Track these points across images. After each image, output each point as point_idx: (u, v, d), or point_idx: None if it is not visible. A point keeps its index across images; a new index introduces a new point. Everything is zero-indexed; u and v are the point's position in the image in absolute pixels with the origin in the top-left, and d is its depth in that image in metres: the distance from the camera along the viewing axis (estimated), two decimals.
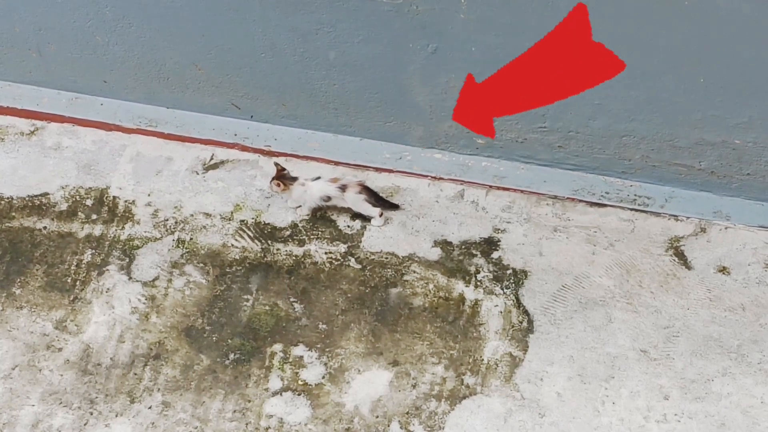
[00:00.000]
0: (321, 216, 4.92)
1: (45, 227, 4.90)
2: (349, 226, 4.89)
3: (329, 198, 4.81)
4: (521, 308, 4.62)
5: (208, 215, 4.94)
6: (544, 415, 4.34)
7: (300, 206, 4.91)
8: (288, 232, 4.88)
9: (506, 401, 4.38)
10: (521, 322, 4.58)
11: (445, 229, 4.88)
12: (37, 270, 4.77)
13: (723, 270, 4.71)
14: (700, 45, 4.32)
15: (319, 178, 4.86)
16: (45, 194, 5.01)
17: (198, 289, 4.71)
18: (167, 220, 4.93)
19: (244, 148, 5.15)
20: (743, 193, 4.85)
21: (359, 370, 4.48)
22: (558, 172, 4.99)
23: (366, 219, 4.88)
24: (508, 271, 4.73)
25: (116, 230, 4.89)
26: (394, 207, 4.92)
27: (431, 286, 4.70)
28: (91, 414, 4.38)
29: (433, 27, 4.52)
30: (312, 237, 4.86)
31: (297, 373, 4.48)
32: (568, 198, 4.95)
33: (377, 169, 5.07)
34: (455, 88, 4.74)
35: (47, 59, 5.15)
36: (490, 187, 5.00)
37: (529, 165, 5.01)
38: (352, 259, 4.79)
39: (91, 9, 4.85)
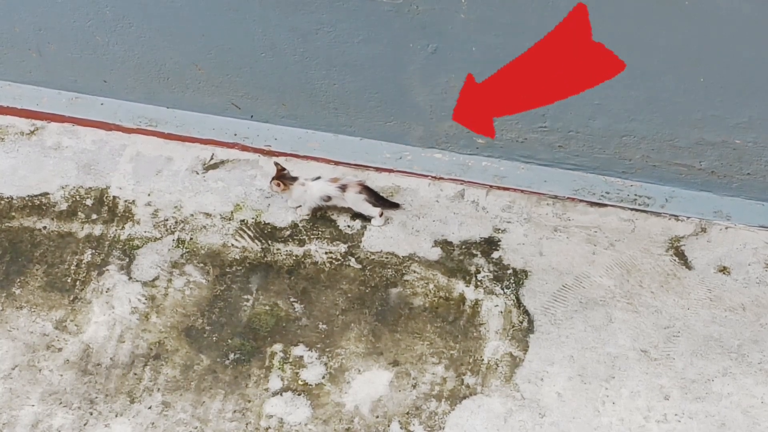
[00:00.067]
0: (321, 216, 4.92)
1: (45, 227, 4.90)
2: (349, 226, 4.89)
3: (329, 198, 4.81)
4: (521, 308, 4.62)
5: (208, 215, 4.94)
6: (544, 415, 4.34)
7: (300, 206, 4.91)
8: (288, 232, 4.88)
9: (506, 401, 4.38)
10: (521, 322, 4.58)
11: (446, 229, 4.88)
12: (36, 270, 4.77)
13: (723, 270, 4.71)
14: (700, 45, 4.32)
15: (319, 177, 4.86)
16: (45, 194, 5.01)
17: (198, 289, 4.71)
18: (167, 219, 4.93)
19: (244, 148, 5.15)
20: (743, 192, 4.85)
21: (359, 370, 4.48)
22: (558, 171, 4.98)
23: (366, 219, 4.87)
24: (509, 271, 4.73)
25: (116, 230, 4.89)
26: (395, 206, 4.91)
27: (431, 286, 4.70)
28: (91, 414, 4.38)
29: (433, 27, 4.51)
30: (312, 237, 4.86)
31: (297, 373, 4.48)
32: (568, 198, 4.95)
33: (377, 169, 5.07)
34: (455, 88, 4.74)
35: (47, 59, 5.15)
36: (491, 186, 5.00)
37: (530, 165, 5.01)
38: (353, 259, 4.78)
39: (91, 9, 4.85)
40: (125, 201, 4.99)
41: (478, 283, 4.70)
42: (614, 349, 4.49)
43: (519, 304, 4.63)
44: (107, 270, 4.77)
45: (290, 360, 4.51)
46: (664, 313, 4.58)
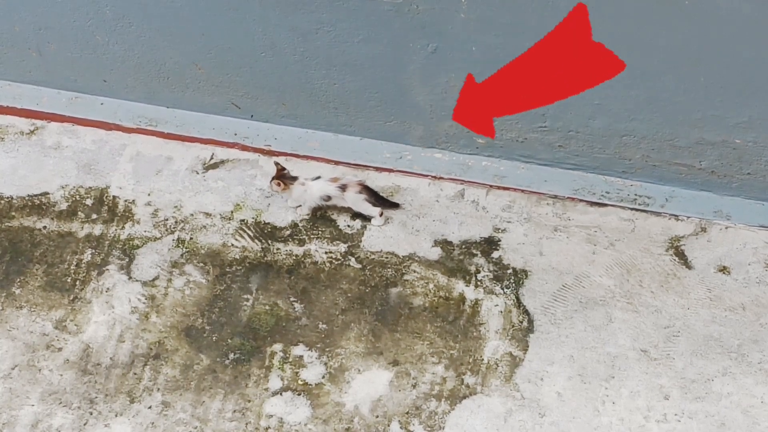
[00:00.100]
0: (321, 215, 4.92)
1: (45, 227, 4.90)
2: (349, 226, 4.89)
3: (329, 197, 4.81)
4: (521, 308, 4.62)
5: (208, 215, 4.94)
6: (544, 414, 4.34)
7: (300, 206, 4.91)
8: (288, 232, 4.88)
9: (506, 401, 4.38)
10: (521, 322, 4.58)
11: (446, 229, 4.88)
12: (36, 270, 4.77)
13: (723, 269, 4.71)
14: (700, 45, 4.32)
15: (319, 177, 4.86)
16: (45, 194, 5.01)
17: (198, 289, 4.71)
18: (167, 219, 4.93)
19: (244, 148, 5.15)
20: (743, 192, 4.85)
21: (359, 370, 4.48)
22: (558, 171, 4.98)
23: (366, 218, 4.87)
24: (509, 271, 4.73)
25: (116, 230, 4.89)
26: (395, 206, 4.91)
27: (431, 285, 4.70)
28: (91, 414, 4.38)
29: (433, 27, 4.51)
30: (312, 237, 4.86)
31: (297, 372, 4.48)
32: (568, 197, 4.95)
33: (377, 169, 5.07)
34: (455, 88, 4.74)
35: (47, 59, 5.15)
36: (491, 186, 5.00)
37: (530, 164, 5.01)
38: (353, 259, 4.78)
39: (91, 8, 4.85)
40: (125, 201, 4.99)
41: (478, 282, 4.70)
42: (614, 349, 4.49)
43: (519, 303, 4.63)
44: (107, 270, 4.77)
45: (290, 360, 4.51)
46: (664, 313, 4.58)
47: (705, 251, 4.77)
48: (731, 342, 4.50)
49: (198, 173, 5.08)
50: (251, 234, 4.87)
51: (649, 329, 4.54)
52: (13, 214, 4.94)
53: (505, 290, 4.67)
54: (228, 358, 4.52)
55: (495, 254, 4.79)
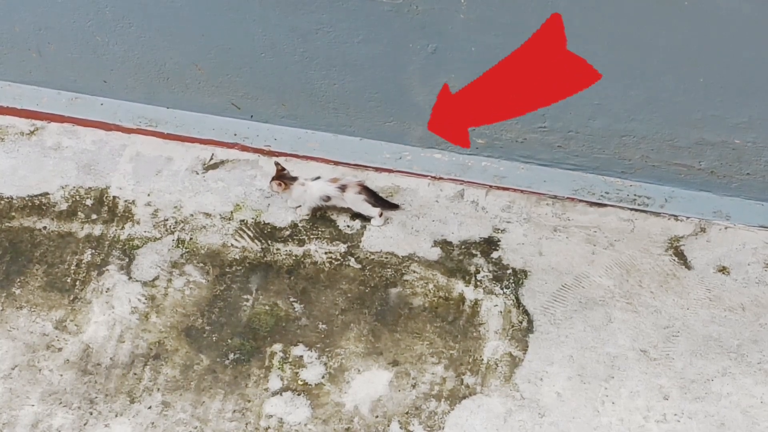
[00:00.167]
0: (321, 216, 4.92)
1: (45, 227, 4.90)
2: (348, 226, 4.89)
3: (329, 198, 4.81)
4: (521, 308, 4.62)
5: (208, 215, 4.94)
6: (543, 415, 4.34)
7: (300, 206, 4.91)
8: (288, 232, 4.88)
9: (506, 401, 4.38)
10: (521, 322, 4.58)
11: (445, 229, 4.88)
12: (36, 270, 4.77)
13: (723, 270, 4.71)
14: (700, 45, 4.32)
15: (318, 178, 4.86)
16: (45, 194, 5.01)
17: (198, 289, 4.71)
18: (167, 219, 4.93)
19: (244, 148, 5.15)
20: (743, 192, 4.85)
21: (359, 370, 4.48)
22: (558, 171, 4.99)
23: (366, 219, 4.88)
24: (508, 271, 4.73)
25: (116, 230, 4.89)
26: (394, 207, 4.91)
27: (431, 285, 4.70)
28: (91, 414, 4.38)
29: (433, 27, 4.52)
30: (312, 237, 4.86)
31: (297, 373, 4.48)
32: (567, 198, 4.95)
33: (377, 169, 5.07)
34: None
35: (47, 59, 5.15)
36: (490, 186, 5.00)
37: (529, 165, 5.01)
38: (352, 259, 4.79)
39: (91, 9, 4.85)
40: (125, 201, 4.99)
41: (478, 283, 4.70)
42: (614, 349, 4.49)
43: (518, 303, 4.63)
44: (107, 270, 4.77)
45: (290, 360, 4.51)
46: (663, 313, 4.59)
47: (704, 251, 4.77)
48: (731, 342, 4.50)
49: (198, 173, 5.09)
50: (251, 234, 4.87)
51: (648, 329, 4.54)
52: (13, 214, 4.94)
53: (505, 290, 4.67)
54: (228, 359, 4.52)
55: (494, 254, 4.79)
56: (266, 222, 4.92)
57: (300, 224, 4.90)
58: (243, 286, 4.71)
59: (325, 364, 4.49)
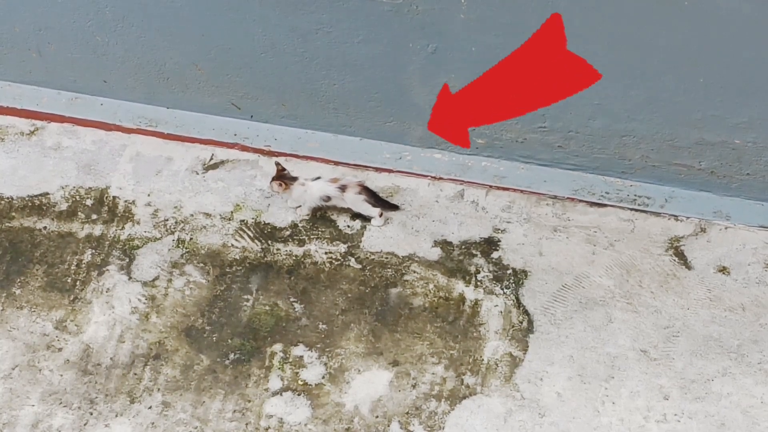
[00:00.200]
0: (321, 216, 4.92)
1: (45, 227, 4.90)
2: (349, 226, 4.89)
3: (329, 198, 4.81)
4: (521, 308, 4.62)
5: (208, 215, 4.94)
6: (544, 415, 4.34)
7: (300, 206, 4.91)
8: (288, 232, 4.88)
9: (506, 401, 4.38)
10: (521, 322, 4.58)
11: (445, 229, 4.88)
12: (37, 270, 4.77)
13: (723, 270, 4.71)
14: (700, 45, 4.32)
15: (319, 178, 4.86)
16: (45, 194, 5.01)
17: (198, 289, 4.71)
18: (167, 220, 4.93)
19: (244, 148, 5.15)
20: (743, 193, 4.85)
21: (359, 370, 4.48)
22: (558, 172, 4.99)
23: (366, 219, 4.88)
24: (508, 271, 4.73)
25: (116, 230, 4.89)
26: (394, 208, 4.91)
27: (431, 286, 4.70)
28: (91, 414, 4.38)
29: (433, 27, 4.52)
30: (312, 237, 4.86)
31: (297, 373, 4.48)
32: (568, 198, 4.95)
33: (377, 169, 5.07)
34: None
35: (47, 59, 5.15)
36: (490, 187, 5.00)
37: (529, 165, 5.01)
38: (352, 259, 4.79)
39: (91, 9, 4.85)
40: (125, 201, 4.99)
41: (478, 283, 4.70)
42: (614, 349, 4.49)
43: (519, 304, 4.63)
44: (107, 270, 4.77)
45: (290, 360, 4.51)
46: (663, 313, 4.59)
47: (705, 251, 4.77)
48: (731, 342, 4.50)
49: (198, 174, 5.09)
50: (251, 234, 4.87)
51: (648, 329, 4.54)
52: (14, 214, 4.94)
53: (505, 290, 4.67)
54: (228, 359, 4.52)
55: (495, 254, 4.79)
56: (266, 222, 4.92)
57: (300, 224, 4.90)
58: (243, 287, 4.71)
59: (326, 364, 4.49)
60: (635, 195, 4.93)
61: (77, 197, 5.00)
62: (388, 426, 4.34)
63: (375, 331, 4.58)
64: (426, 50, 4.61)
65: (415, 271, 4.74)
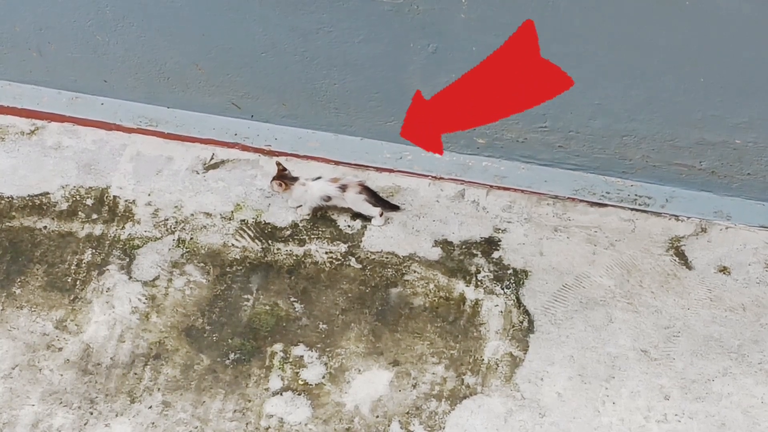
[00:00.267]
0: (321, 216, 4.92)
1: (45, 227, 4.90)
2: (349, 226, 4.89)
3: (329, 198, 4.81)
4: (522, 308, 4.62)
5: (208, 215, 4.94)
6: (544, 415, 4.34)
7: (300, 206, 4.91)
8: (288, 232, 4.88)
9: (507, 401, 4.38)
10: (522, 322, 4.58)
11: (446, 229, 4.88)
12: (37, 269, 4.77)
13: (723, 270, 4.71)
14: (700, 45, 4.32)
15: (319, 177, 4.86)
16: (45, 194, 5.01)
17: (198, 289, 4.71)
18: (167, 219, 4.93)
19: (244, 148, 5.15)
20: (744, 193, 4.85)
21: (359, 370, 4.48)
22: (558, 171, 4.98)
23: (366, 219, 4.87)
24: (509, 271, 4.73)
25: (116, 230, 4.89)
26: (395, 208, 4.91)
27: (432, 285, 4.70)
28: (91, 414, 4.38)
29: (434, 27, 4.52)
30: (312, 237, 4.86)
31: (297, 372, 4.48)
32: (568, 198, 4.95)
33: (378, 169, 5.07)
34: None
35: (48, 59, 5.15)
36: (491, 186, 5.00)
37: (530, 165, 5.01)
38: (353, 259, 4.79)
39: (91, 8, 4.85)
40: (125, 201, 4.99)
41: (479, 283, 4.70)
42: (614, 349, 4.49)
43: (519, 303, 4.63)
44: (107, 270, 4.77)
45: (290, 360, 4.51)
46: (664, 313, 4.58)
47: (705, 251, 4.77)
48: (731, 342, 4.50)
49: (198, 173, 5.09)
50: (252, 234, 4.87)
51: (649, 329, 4.54)
52: (14, 214, 4.94)
53: (506, 290, 4.67)
54: (228, 358, 4.52)
55: (495, 254, 4.79)
56: (267, 222, 4.91)
57: (300, 224, 4.90)
58: (243, 286, 4.71)
59: (326, 363, 4.49)
60: (636, 195, 4.93)
61: (77, 197, 5.00)
62: (389, 426, 4.34)
63: (375, 331, 4.57)
64: (426, 50, 4.61)
65: (415, 271, 4.74)
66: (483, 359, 4.49)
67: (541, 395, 4.39)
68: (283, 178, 4.82)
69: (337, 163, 5.09)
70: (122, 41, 4.96)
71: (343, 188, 4.79)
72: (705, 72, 4.41)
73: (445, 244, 4.83)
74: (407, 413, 4.37)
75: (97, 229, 4.89)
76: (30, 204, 4.97)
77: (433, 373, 4.46)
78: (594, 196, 4.94)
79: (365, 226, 4.88)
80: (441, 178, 5.03)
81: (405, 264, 4.76)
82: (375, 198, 4.83)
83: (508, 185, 4.98)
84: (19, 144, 5.19)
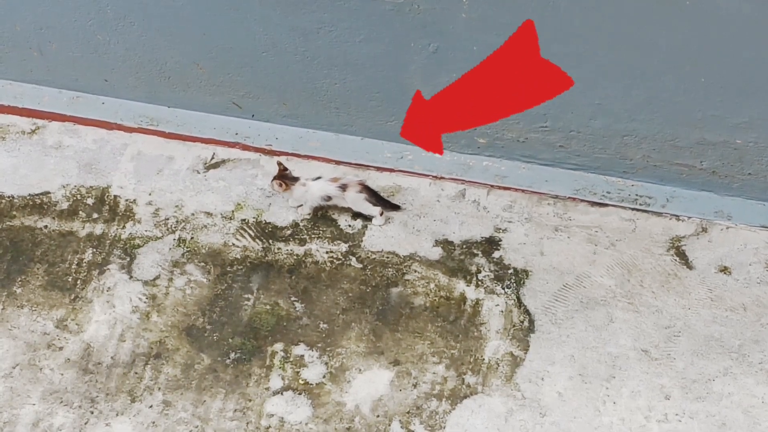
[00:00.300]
0: (322, 215, 4.92)
1: (46, 226, 4.90)
2: (350, 226, 4.89)
3: (330, 197, 4.81)
4: (522, 308, 4.62)
5: (209, 214, 4.94)
6: (545, 414, 4.34)
7: (301, 205, 4.91)
8: (289, 232, 4.88)
9: (507, 401, 4.38)
10: (522, 322, 4.58)
11: (446, 229, 4.88)
12: (38, 269, 4.77)
13: (724, 270, 4.71)
14: (700, 45, 4.32)
15: (320, 177, 4.86)
16: (46, 193, 5.01)
17: (199, 288, 4.71)
18: (168, 219, 4.93)
19: (245, 148, 5.16)
20: (744, 193, 4.85)
21: (360, 370, 4.48)
22: (559, 171, 4.99)
23: (367, 218, 4.88)
24: (510, 271, 4.73)
25: (117, 229, 4.89)
26: (395, 208, 4.91)
27: (432, 285, 4.70)
28: (92, 413, 4.38)
29: (434, 26, 4.52)
30: (313, 236, 4.86)
31: (298, 372, 4.48)
32: (569, 198, 4.95)
33: (378, 169, 5.07)
34: None
35: (48, 58, 5.15)
36: (492, 186, 5.00)
37: (531, 164, 5.01)
38: (353, 259, 4.79)
39: (92, 8, 4.85)
40: (126, 200, 4.99)
41: (479, 282, 4.70)
42: (615, 349, 4.49)
43: (520, 303, 4.63)
44: (108, 269, 4.77)
45: (291, 359, 4.51)
46: (664, 313, 4.58)
47: (706, 251, 4.77)
48: (732, 342, 4.50)
49: (199, 173, 5.09)
50: (252, 233, 4.87)
51: (649, 329, 4.54)
52: (15, 213, 4.94)
53: (506, 290, 4.67)
54: (229, 358, 4.52)
55: (496, 254, 4.79)
56: (267, 221, 4.92)
57: (301, 224, 4.90)
58: (244, 286, 4.71)
59: (326, 363, 4.49)
60: (636, 195, 4.93)
61: (78, 196, 5.00)
62: (389, 425, 4.34)
63: (376, 331, 4.58)
64: (427, 49, 4.61)
65: (416, 271, 4.74)
66: (483, 359, 4.49)
67: (542, 395, 4.39)
68: (284, 177, 4.82)
69: (337, 162, 5.09)
70: (123, 41, 4.96)
71: (344, 188, 4.79)
72: (705, 72, 4.41)
73: (445, 243, 4.83)
74: (408, 413, 4.37)
75: (98, 229, 4.89)
76: (31, 203, 4.97)
77: (434, 373, 4.46)
78: (595, 195, 4.94)
79: (366, 226, 4.88)
80: (442, 178, 5.03)
81: (405, 263, 4.76)
82: (375, 197, 4.83)
83: (509, 185, 4.98)
84: (19, 143, 5.19)
